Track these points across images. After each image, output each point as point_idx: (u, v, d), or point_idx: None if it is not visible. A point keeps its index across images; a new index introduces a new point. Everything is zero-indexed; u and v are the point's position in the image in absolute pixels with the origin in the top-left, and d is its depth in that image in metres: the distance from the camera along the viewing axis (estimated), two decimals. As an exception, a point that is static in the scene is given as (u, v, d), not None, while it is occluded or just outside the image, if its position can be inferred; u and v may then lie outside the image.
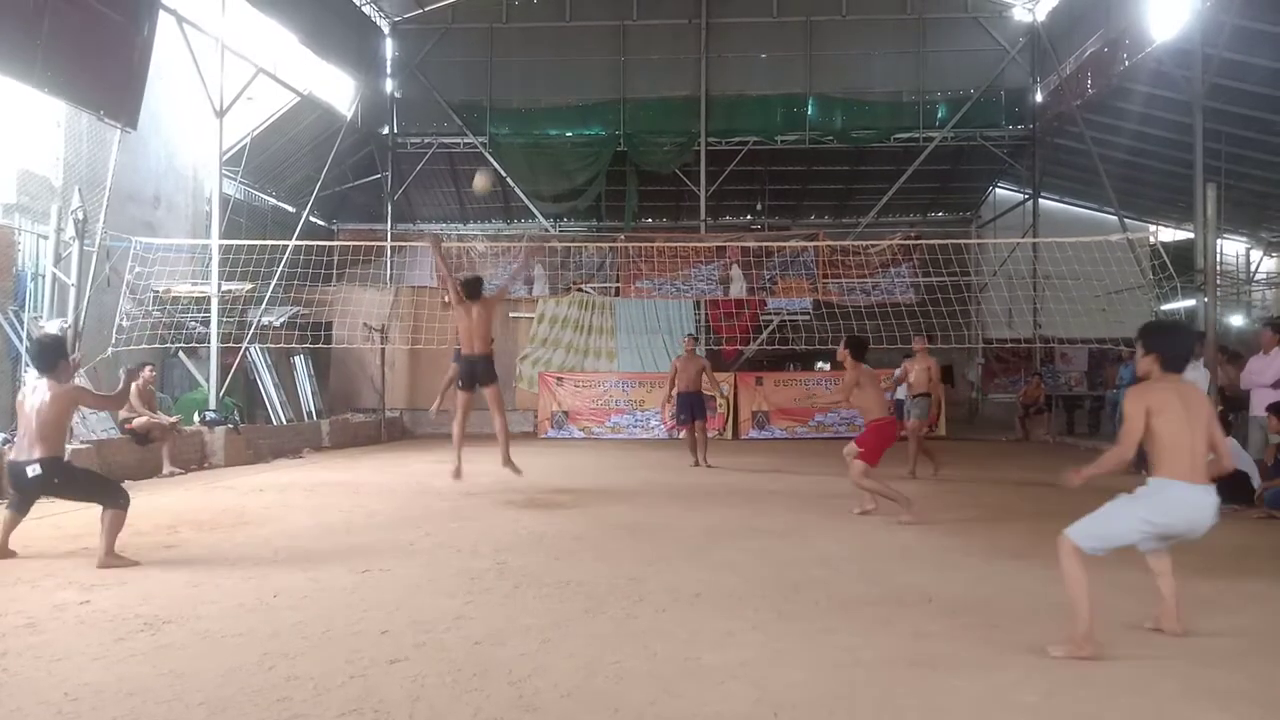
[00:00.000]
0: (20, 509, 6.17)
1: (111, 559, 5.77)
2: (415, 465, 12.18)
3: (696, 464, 12.16)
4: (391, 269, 20.94)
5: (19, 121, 11.53)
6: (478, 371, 8.88)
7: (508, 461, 9.01)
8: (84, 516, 7.86)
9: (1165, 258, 13.33)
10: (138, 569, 5.73)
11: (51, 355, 6.15)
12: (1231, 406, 10.09)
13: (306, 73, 17.47)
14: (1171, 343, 4.44)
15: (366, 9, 20.26)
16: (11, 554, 6.05)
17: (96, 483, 6.43)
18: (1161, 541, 4.34)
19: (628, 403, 17.72)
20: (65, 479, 6.07)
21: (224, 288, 13.62)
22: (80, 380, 10.06)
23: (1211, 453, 4.35)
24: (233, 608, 4.82)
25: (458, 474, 9.06)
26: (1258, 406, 9.09)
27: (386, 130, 21.58)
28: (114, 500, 5.95)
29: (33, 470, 5.89)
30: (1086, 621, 4.11)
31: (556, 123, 21.44)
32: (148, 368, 11.20)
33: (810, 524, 7.59)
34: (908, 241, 19.97)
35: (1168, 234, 20.16)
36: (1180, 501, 4.22)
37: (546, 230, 22.39)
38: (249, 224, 17.79)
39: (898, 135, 20.89)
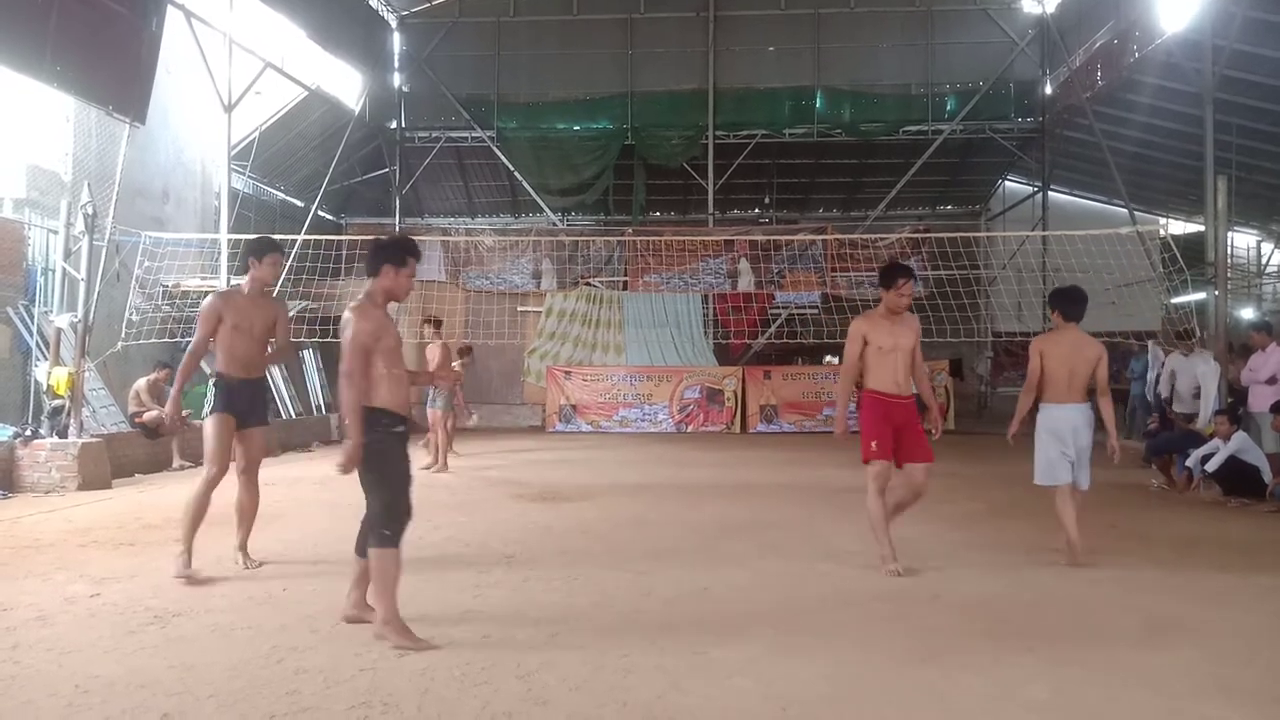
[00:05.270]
0: None
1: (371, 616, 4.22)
2: (423, 458, 12.16)
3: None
4: (400, 263, 20.93)
5: (28, 117, 11.58)
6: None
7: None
8: (91, 511, 7.91)
9: (1175, 250, 13.26)
10: (148, 562, 5.76)
11: None
12: (1242, 400, 10.12)
13: (314, 67, 17.47)
14: (1066, 300, 6.10)
15: (374, 3, 20.24)
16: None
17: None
18: (1067, 457, 5.85)
19: (636, 396, 17.71)
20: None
21: (233, 282, 13.64)
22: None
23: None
24: (242, 601, 4.84)
25: None
26: (1256, 402, 9.40)
27: (394, 124, 21.57)
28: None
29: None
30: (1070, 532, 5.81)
31: (564, 116, 21.41)
32: (165, 369, 11.67)
33: (818, 519, 7.59)
34: (917, 235, 19.88)
35: (1178, 227, 20.08)
36: (1056, 417, 5.91)
37: (554, 224, 22.37)
38: (257, 218, 17.84)
39: (906, 128, 20.77)
